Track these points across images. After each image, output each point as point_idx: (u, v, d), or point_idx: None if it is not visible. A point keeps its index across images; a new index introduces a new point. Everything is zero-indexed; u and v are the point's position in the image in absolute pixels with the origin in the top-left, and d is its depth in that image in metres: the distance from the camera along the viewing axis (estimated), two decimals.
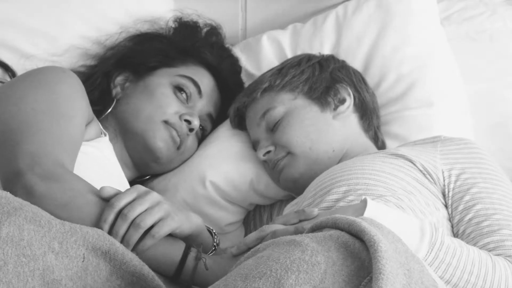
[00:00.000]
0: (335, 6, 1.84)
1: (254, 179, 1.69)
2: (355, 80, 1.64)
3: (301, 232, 1.11)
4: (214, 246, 1.28)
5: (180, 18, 1.77)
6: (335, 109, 1.59)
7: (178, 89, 1.62)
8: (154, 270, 1.14)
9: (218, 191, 1.69)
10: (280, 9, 1.93)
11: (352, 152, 1.56)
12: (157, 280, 1.06)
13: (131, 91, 1.63)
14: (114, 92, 1.64)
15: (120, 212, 1.15)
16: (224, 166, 1.69)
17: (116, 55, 1.69)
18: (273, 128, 1.59)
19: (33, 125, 1.27)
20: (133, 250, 1.15)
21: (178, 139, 1.59)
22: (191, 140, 1.65)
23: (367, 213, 1.14)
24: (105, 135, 1.55)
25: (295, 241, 0.96)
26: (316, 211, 1.24)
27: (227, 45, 1.78)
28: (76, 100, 1.38)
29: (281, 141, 1.57)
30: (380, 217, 1.12)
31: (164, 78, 1.62)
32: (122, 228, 1.13)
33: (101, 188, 1.18)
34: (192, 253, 1.20)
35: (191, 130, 1.61)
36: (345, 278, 0.92)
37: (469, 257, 1.17)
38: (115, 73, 1.66)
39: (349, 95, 1.60)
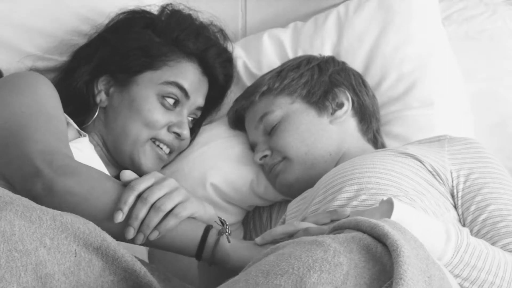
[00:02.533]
0: (336, 5, 1.83)
1: (254, 181, 1.68)
2: (355, 84, 1.63)
3: None
4: (227, 236, 1.28)
5: (164, 8, 1.67)
6: (332, 113, 1.58)
7: (165, 97, 1.57)
8: (176, 250, 1.20)
9: (219, 193, 1.69)
10: (280, 9, 1.92)
11: (350, 155, 1.55)
12: (149, 276, 1.07)
13: (117, 103, 1.58)
14: (98, 98, 1.58)
15: (139, 196, 1.18)
16: (225, 168, 1.68)
17: (94, 56, 1.61)
18: (270, 132, 1.59)
19: (30, 126, 1.29)
20: (154, 230, 1.17)
21: (165, 157, 1.59)
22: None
23: (394, 216, 1.12)
24: (84, 135, 1.53)
25: (317, 241, 0.95)
26: (348, 211, 1.23)
27: (216, 33, 1.71)
28: (56, 99, 1.40)
29: (277, 146, 1.57)
30: (406, 220, 1.10)
31: (149, 89, 1.56)
32: (142, 211, 1.16)
33: (122, 171, 1.22)
34: (214, 229, 1.22)
35: (182, 139, 1.60)
36: (366, 281, 0.91)
37: (495, 259, 1.16)
38: (96, 78, 1.59)
39: (347, 99, 1.60)
